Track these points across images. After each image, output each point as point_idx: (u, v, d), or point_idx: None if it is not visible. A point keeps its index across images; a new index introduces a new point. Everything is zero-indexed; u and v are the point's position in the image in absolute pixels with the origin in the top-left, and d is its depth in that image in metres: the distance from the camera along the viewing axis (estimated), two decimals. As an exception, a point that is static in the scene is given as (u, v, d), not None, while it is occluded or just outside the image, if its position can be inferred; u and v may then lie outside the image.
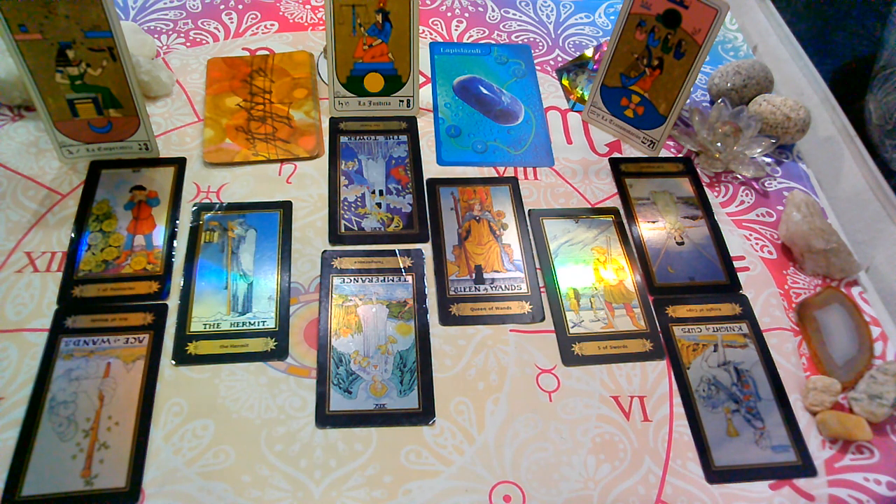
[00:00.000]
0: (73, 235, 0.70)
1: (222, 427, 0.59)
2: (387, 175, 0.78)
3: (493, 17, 0.99)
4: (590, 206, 0.78)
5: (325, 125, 0.82)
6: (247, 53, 0.89)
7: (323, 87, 0.87)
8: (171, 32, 0.91)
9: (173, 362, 0.62)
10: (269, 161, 0.78)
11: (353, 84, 0.82)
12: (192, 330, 0.64)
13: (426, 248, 0.72)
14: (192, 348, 0.63)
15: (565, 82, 0.92)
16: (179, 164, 0.76)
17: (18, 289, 0.66)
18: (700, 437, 0.62)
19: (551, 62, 0.94)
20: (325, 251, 0.71)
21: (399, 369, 0.63)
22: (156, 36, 0.90)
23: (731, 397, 0.64)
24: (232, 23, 0.93)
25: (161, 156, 0.77)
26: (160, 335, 0.63)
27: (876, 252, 0.79)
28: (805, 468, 0.61)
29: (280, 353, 0.63)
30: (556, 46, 0.96)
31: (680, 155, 0.85)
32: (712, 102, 0.91)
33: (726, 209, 0.80)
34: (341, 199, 0.75)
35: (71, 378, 0.60)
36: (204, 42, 0.90)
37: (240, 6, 0.95)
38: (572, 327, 0.68)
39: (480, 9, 1.00)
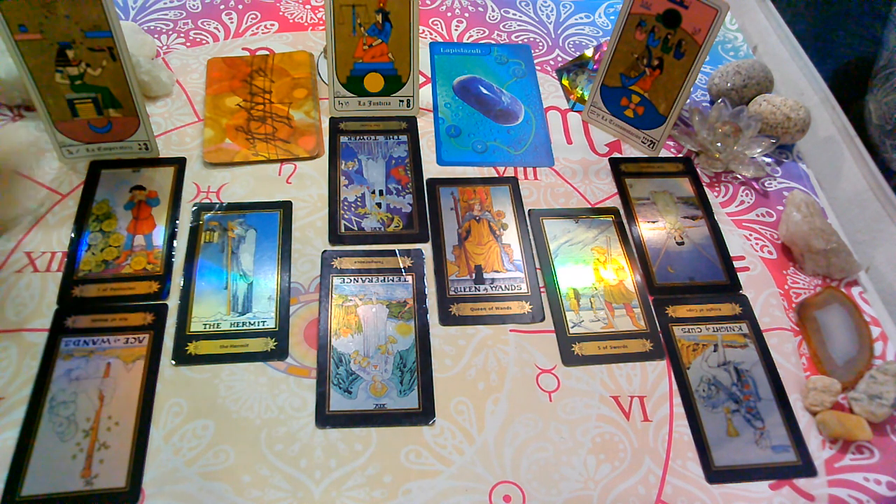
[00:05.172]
0: (73, 235, 0.70)
1: (222, 427, 0.59)
2: (387, 175, 0.78)
3: (493, 17, 0.99)
4: (590, 206, 0.78)
5: (325, 125, 0.82)
6: (247, 53, 0.89)
7: (323, 87, 0.87)
8: (171, 32, 0.91)
9: (173, 362, 0.62)
10: (269, 161, 0.78)
11: (353, 84, 0.82)
12: (192, 330, 0.64)
13: (426, 248, 0.72)
14: (192, 348, 0.63)
15: (565, 82, 0.92)
16: (179, 164, 0.76)
17: (18, 289, 0.66)
18: (700, 437, 0.62)
19: (551, 62, 0.94)
20: (325, 251, 0.71)
21: (399, 369, 0.63)
22: (156, 36, 0.90)
23: (731, 397, 0.64)
24: (232, 23, 0.93)
25: (161, 156, 0.77)
26: (160, 335, 0.63)
27: (876, 252, 0.79)
28: (805, 468, 0.61)
29: (280, 353, 0.63)
30: (556, 46, 0.96)
31: (680, 155, 0.85)
32: (712, 102, 0.91)
33: (726, 209, 0.80)
34: (341, 199, 0.75)
35: (71, 378, 0.60)
36: (204, 42, 0.90)
37: (240, 6, 0.95)
38: (572, 327, 0.68)
39: (480, 9, 1.00)
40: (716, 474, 0.60)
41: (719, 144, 0.81)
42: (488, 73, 0.91)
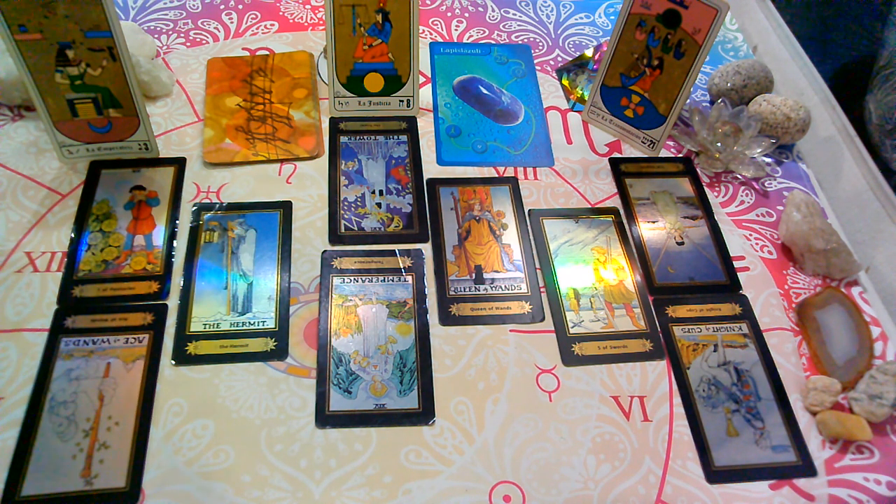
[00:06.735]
0: (73, 235, 0.70)
1: (222, 427, 0.59)
2: (387, 175, 0.78)
3: (493, 17, 0.99)
4: (590, 206, 0.78)
5: (325, 125, 0.82)
6: (247, 53, 0.89)
7: (323, 87, 0.87)
8: (171, 32, 0.91)
9: (173, 362, 0.62)
10: (269, 161, 0.78)
11: (353, 84, 0.82)
12: (191, 330, 0.64)
13: (426, 248, 0.72)
14: (192, 348, 0.63)
15: (565, 82, 0.92)
16: (179, 164, 0.76)
17: (18, 289, 0.66)
18: (700, 437, 0.62)
19: (551, 62, 0.94)
20: (325, 251, 0.71)
21: (399, 369, 0.63)
22: (156, 36, 0.90)
23: (731, 397, 0.64)
24: (232, 23, 0.93)
25: (161, 156, 0.77)
26: (160, 335, 0.63)
27: (876, 252, 0.79)
28: (805, 468, 0.61)
29: (280, 353, 0.63)
30: (556, 46, 0.96)
31: (680, 155, 0.85)
32: (712, 102, 0.91)
33: (726, 209, 0.80)
34: (341, 199, 0.75)
35: (71, 378, 0.60)
36: (204, 42, 0.90)
37: (240, 6, 0.95)
38: (572, 327, 0.68)
39: (480, 9, 1.00)
40: (716, 474, 0.60)
41: (719, 144, 0.81)
42: (488, 73, 0.91)
